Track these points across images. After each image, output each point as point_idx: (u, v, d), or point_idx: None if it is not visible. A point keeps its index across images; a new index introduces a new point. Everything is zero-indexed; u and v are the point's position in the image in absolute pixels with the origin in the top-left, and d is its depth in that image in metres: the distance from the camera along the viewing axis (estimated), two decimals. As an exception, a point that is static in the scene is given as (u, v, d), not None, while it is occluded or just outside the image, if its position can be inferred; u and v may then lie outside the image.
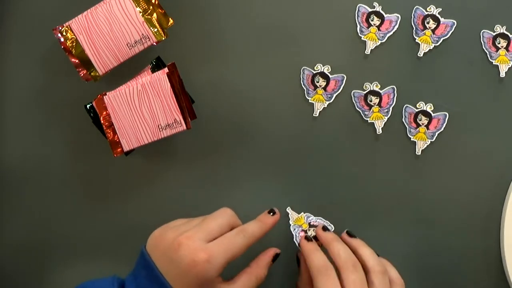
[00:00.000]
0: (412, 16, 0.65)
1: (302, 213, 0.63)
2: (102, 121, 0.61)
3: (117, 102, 0.60)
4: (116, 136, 0.61)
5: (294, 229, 0.61)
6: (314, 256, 0.56)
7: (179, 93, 0.59)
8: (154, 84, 0.59)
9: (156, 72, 0.60)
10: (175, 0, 0.64)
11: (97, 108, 0.60)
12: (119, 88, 0.60)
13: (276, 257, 0.59)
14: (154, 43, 0.60)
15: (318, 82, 0.65)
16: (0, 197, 0.66)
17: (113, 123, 0.61)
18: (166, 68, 0.60)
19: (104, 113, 0.60)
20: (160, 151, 0.66)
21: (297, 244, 0.61)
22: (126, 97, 0.60)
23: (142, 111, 0.60)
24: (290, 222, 0.62)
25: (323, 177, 0.67)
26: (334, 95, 0.65)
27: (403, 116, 0.66)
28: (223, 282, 0.53)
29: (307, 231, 0.61)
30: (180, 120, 0.59)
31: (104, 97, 0.60)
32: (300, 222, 0.62)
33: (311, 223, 0.62)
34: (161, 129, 0.60)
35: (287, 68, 0.65)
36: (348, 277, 0.53)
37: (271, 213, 0.59)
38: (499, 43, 0.65)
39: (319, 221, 0.62)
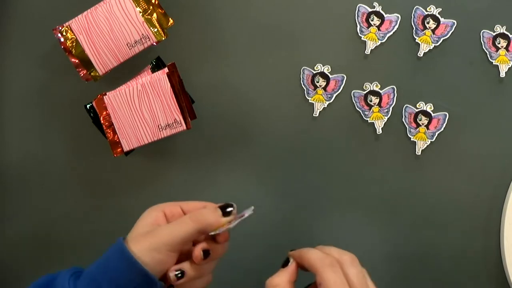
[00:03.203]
0: (412, 16, 0.65)
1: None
2: (102, 121, 0.61)
3: (117, 102, 0.60)
4: (116, 136, 0.61)
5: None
6: (312, 251, 0.52)
7: (179, 93, 0.59)
8: (154, 84, 0.59)
9: (156, 72, 0.60)
10: (175, 0, 0.64)
11: (97, 108, 0.60)
12: (119, 88, 0.60)
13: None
14: (154, 43, 0.60)
15: (318, 82, 0.65)
16: (0, 197, 0.66)
17: (113, 123, 0.61)
18: (166, 68, 0.60)
19: (104, 113, 0.60)
20: (160, 151, 0.66)
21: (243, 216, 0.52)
22: (126, 97, 0.60)
23: (142, 111, 0.60)
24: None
25: (323, 177, 0.67)
26: (334, 95, 0.65)
27: (403, 116, 0.66)
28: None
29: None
30: (180, 120, 0.59)
31: (104, 97, 0.60)
32: None
33: None
34: (161, 129, 0.60)
35: (287, 68, 0.65)
36: (349, 270, 0.52)
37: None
38: (499, 43, 0.65)
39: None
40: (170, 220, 0.54)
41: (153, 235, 0.51)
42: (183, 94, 0.61)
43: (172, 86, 0.59)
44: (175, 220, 0.54)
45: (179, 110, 0.59)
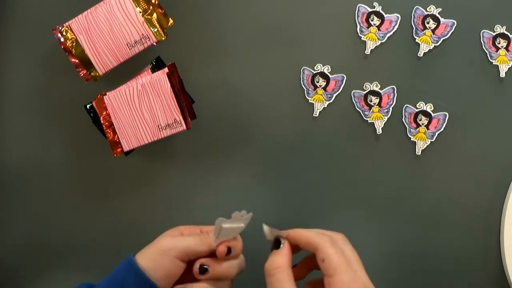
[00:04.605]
0: (412, 16, 0.65)
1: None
2: (102, 121, 0.61)
3: (117, 102, 0.60)
4: (116, 136, 0.61)
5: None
6: (307, 230, 0.53)
7: (179, 93, 0.59)
8: (154, 84, 0.59)
9: (156, 72, 0.60)
10: (175, 0, 0.64)
11: (97, 108, 0.60)
12: (119, 88, 0.60)
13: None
14: (154, 43, 0.60)
15: (318, 82, 0.65)
16: (0, 197, 0.66)
17: (113, 123, 0.61)
18: (166, 68, 0.60)
19: (104, 113, 0.60)
20: (160, 151, 0.66)
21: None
22: (126, 97, 0.60)
23: (142, 111, 0.60)
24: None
25: (323, 177, 0.67)
26: (334, 95, 0.65)
27: (403, 116, 0.66)
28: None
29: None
30: (180, 120, 0.59)
31: (104, 97, 0.60)
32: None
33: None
34: (161, 129, 0.60)
35: (287, 68, 0.65)
36: (345, 247, 0.52)
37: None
38: (499, 43, 0.65)
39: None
40: None
41: (156, 241, 0.54)
42: (183, 94, 0.61)
43: (172, 86, 0.59)
44: None
45: (179, 110, 0.59)
